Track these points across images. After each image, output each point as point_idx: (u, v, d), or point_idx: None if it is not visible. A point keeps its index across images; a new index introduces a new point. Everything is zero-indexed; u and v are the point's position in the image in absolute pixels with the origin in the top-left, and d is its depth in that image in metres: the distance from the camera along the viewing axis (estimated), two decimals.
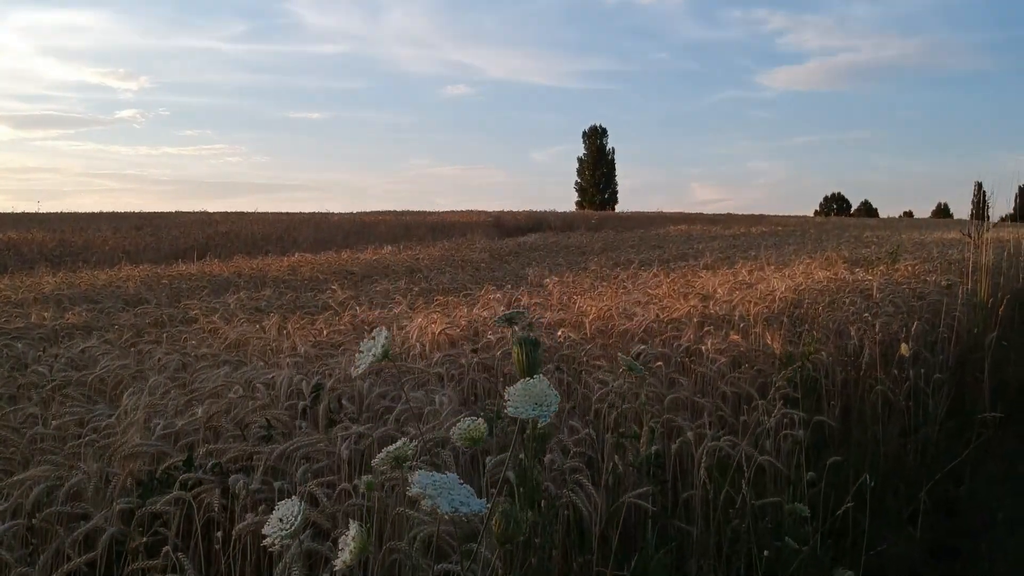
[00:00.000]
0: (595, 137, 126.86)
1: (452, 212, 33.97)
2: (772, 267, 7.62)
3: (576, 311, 4.54)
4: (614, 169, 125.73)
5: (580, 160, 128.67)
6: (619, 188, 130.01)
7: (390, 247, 10.45)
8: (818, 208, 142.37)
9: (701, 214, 42.20)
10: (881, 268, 6.93)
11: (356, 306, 5.11)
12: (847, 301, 4.93)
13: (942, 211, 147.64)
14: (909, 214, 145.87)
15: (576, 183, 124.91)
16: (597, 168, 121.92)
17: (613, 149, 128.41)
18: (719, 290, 5.17)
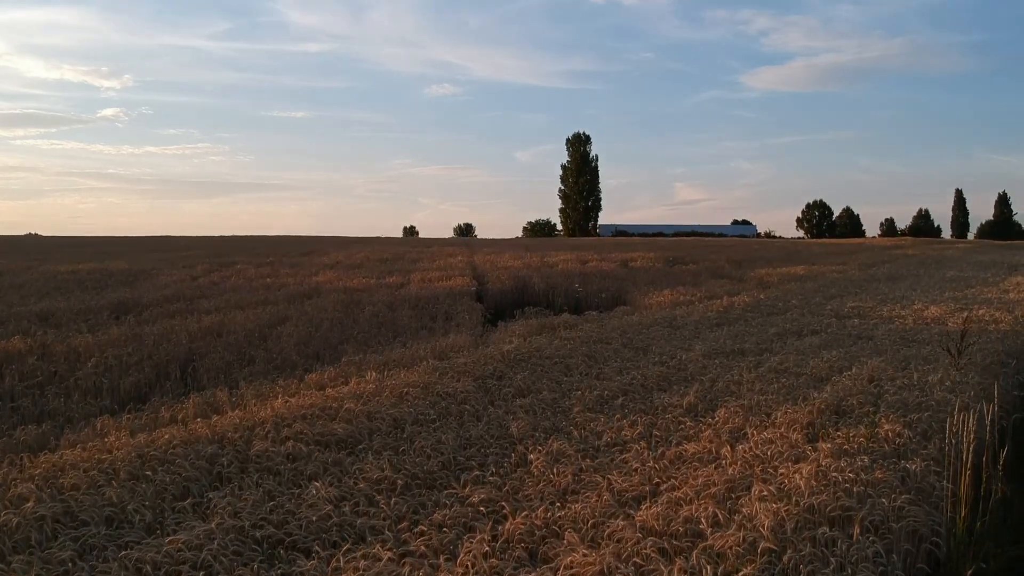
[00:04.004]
0: (579, 144, 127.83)
1: (432, 256, 34.05)
2: (754, 420, 7.70)
3: None
4: (597, 176, 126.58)
5: (563, 167, 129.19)
6: (603, 189, 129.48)
7: (374, 371, 10.46)
8: (800, 216, 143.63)
9: (682, 239, 42.53)
10: (862, 439, 7.00)
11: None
12: (830, 537, 4.99)
13: (922, 217, 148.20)
14: (891, 224, 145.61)
15: (559, 190, 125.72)
16: (580, 175, 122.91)
17: (597, 156, 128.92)
18: (702, 519, 5.20)
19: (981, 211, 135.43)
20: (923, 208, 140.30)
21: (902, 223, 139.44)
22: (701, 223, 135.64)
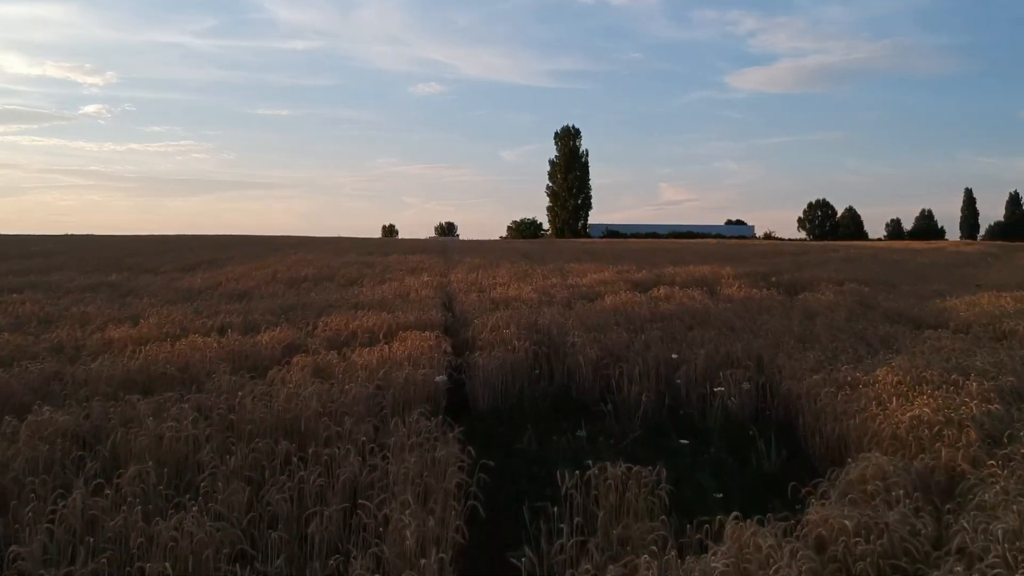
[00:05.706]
0: (568, 138, 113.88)
1: (384, 272, 22.23)
2: None
3: None
4: (588, 172, 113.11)
5: (552, 163, 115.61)
6: (591, 187, 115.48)
7: None
8: (802, 215, 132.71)
9: (670, 242, 30.92)
10: None
11: None
12: None
13: (926, 218, 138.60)
14: (897, 225, 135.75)
15: (547, 187, 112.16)
16: (570, 171, 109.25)
17: (587, 151, 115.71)
18: None
19: (988, 212, 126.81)
20: (926, 209, 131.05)
21: (907, 224, 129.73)
22: (689, 223, 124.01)
